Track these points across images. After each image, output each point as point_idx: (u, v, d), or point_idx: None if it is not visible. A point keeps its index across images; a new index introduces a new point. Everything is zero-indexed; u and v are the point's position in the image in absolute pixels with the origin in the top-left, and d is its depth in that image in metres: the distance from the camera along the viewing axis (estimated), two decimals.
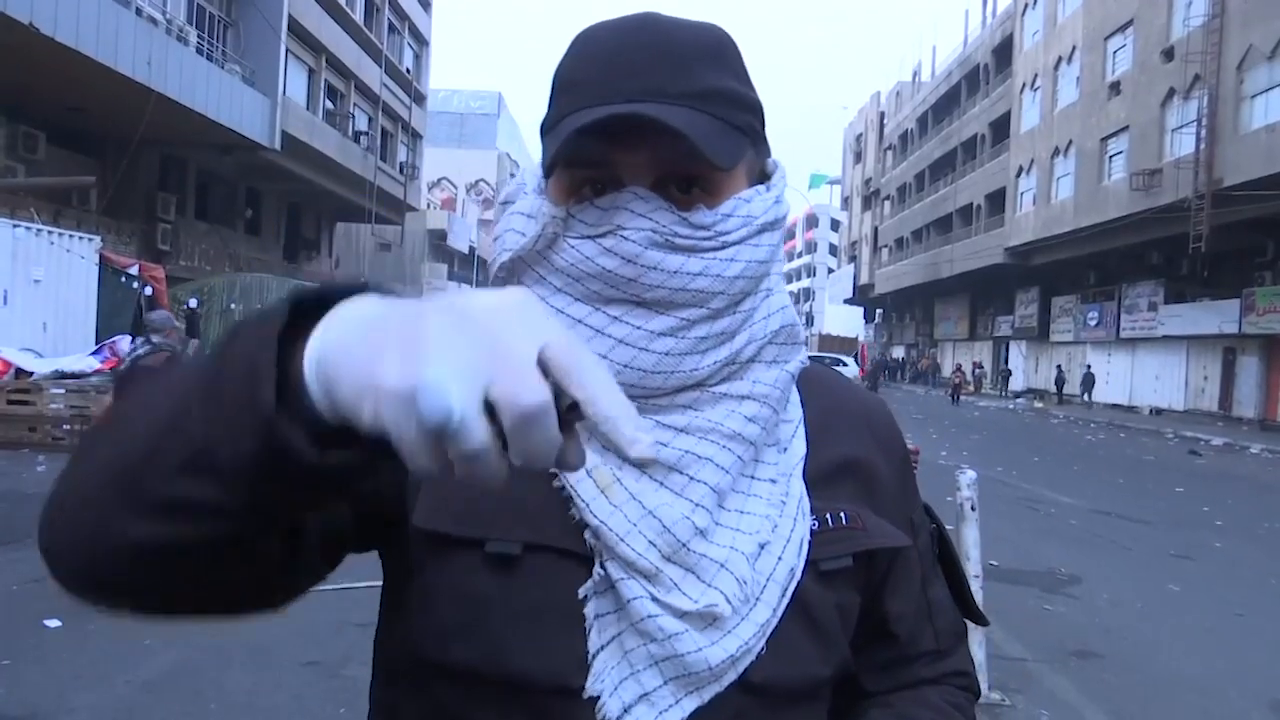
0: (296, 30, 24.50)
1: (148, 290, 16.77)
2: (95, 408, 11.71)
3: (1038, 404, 35.13)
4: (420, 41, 38.16)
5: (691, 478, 0.74)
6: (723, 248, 0.75)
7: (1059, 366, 36.67)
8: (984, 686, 4.49)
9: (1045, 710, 4.44)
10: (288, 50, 23.71)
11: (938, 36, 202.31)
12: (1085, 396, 34.07)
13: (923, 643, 0.92)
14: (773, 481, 0.79)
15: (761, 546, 0.76)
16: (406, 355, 0.46)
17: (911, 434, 17.14)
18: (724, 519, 0.76)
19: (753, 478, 0.78)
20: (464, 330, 0.47)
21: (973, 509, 4.80)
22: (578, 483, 0.74)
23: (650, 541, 0.72)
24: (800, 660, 0.78)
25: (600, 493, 0.73)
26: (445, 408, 0.44)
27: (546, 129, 0.79)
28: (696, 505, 0.74)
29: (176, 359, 7.38)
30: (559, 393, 0.46)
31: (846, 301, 68.76)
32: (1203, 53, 23.98)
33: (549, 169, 0.77)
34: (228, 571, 0.61)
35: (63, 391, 11.93)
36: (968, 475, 5.01)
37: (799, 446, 0.83)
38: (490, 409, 0.45)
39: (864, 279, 62.58)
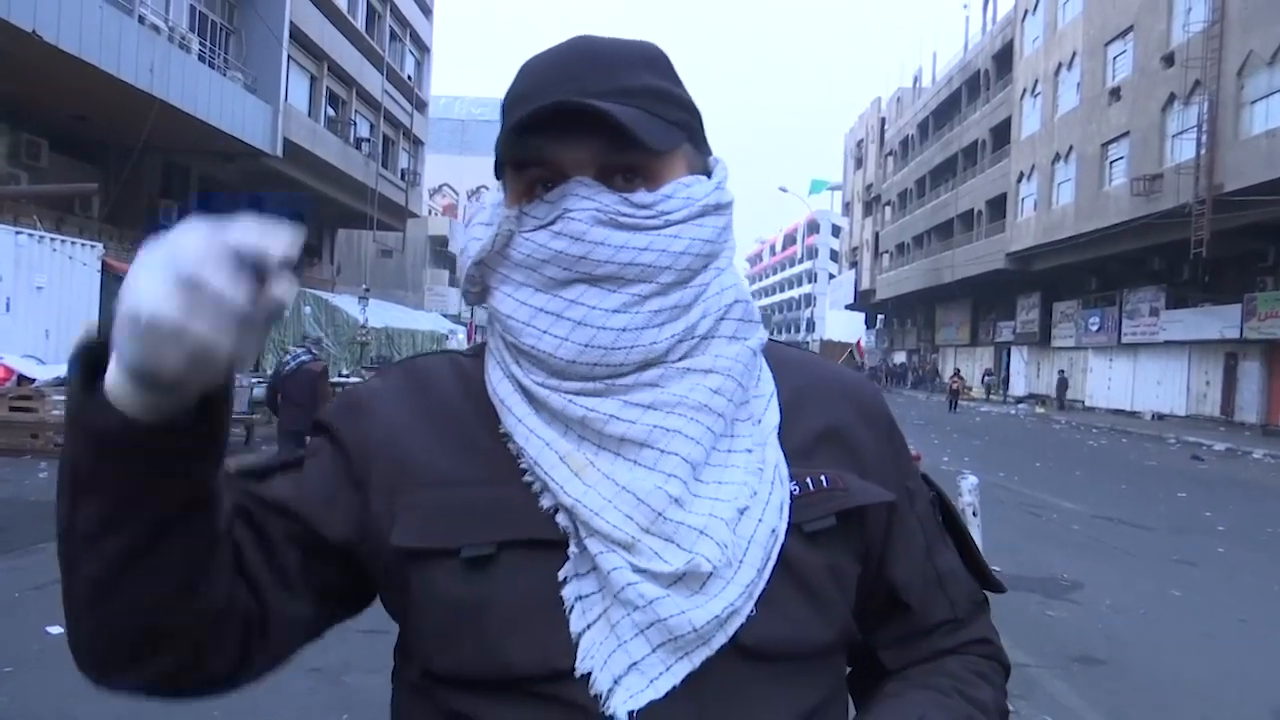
0: (298, 37, 24.57)
1: None
2: None
3: (1039, 409, 35.13)
4: (421, 48, 38.23)
5: (663, 451, 0.76)
6: (666, 225, 0.80)
7: (1061, 372, 36.66)
8: None
9: (1048, 716, 4.43)
10: (289, 57, 23.77)
11: (938, 42, 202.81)
12: (1059, 400, 34.62)
13: (937, 612, 0.92)
14: (749, 451, 0.81)
15: (741, 511, 0.77)
16: (125, 293, 0.61)
17: (913, 439, 16.98)
18: (702, 490, 0.77)
19: (729, 451, 0.80)
20: (149, 257, 0.62)
21: (975, 514, 4.81)
22: (552, 469, 0.77)
23: (627, 515, 0.74)
24: (793, 621, 0.78)
25: (574, 475, 0.76)
26: (152, 296, 0.60)
27: (498, 143, 0.84)
28: (670, 475, 0.76)
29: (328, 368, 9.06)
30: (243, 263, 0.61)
31: (848, 307, 68.76)
32: (1203, 58, 24.00)
33: (498, 170, 0.84)
34: (201, 608, 0.74)
35: (65, 399, 11.95)
36: (969, 481, 5.03)
37: (772, 418, 0.84)
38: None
39: (865, 284, 62.58)
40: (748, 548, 0.76)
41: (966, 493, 4.92)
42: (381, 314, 23.25)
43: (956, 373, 37.05)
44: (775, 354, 0.90)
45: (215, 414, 0.68)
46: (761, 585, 0.76)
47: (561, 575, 0.75)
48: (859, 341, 48.01)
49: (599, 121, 0.75)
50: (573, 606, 0.74)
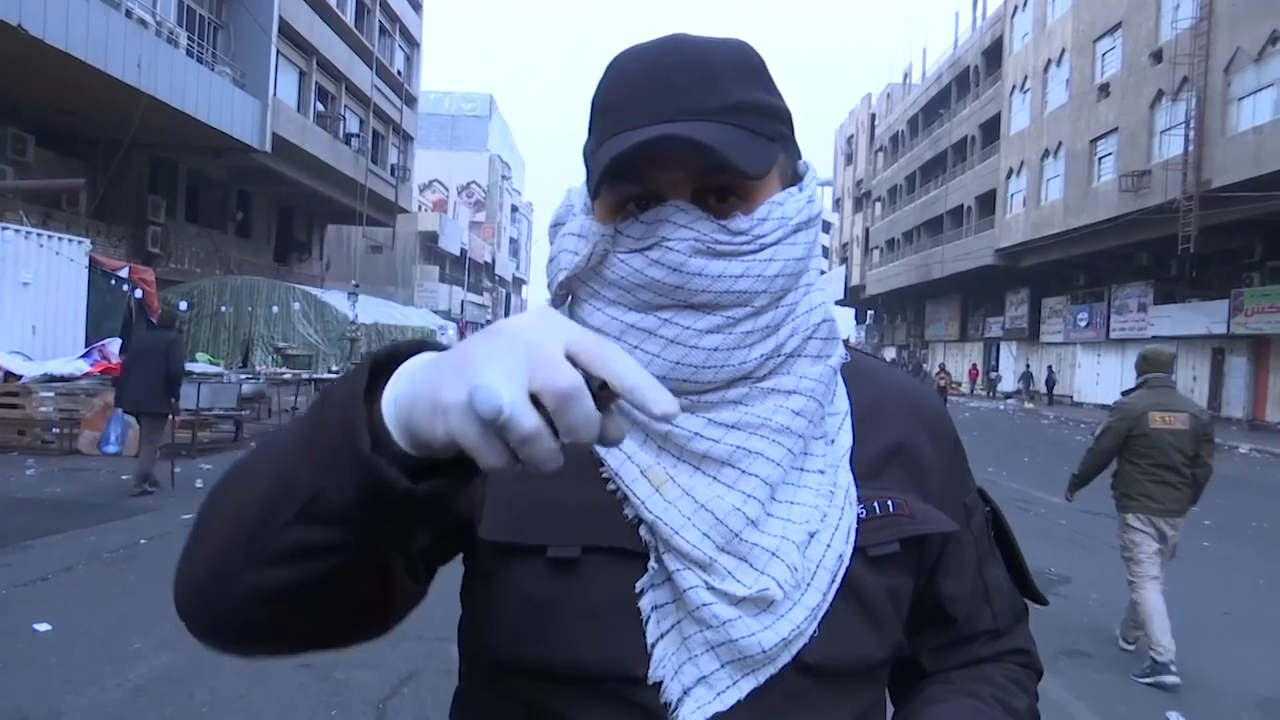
0: (287, 32, 24.44)
1: (138, 293, 16.72)
2: (85, 410, 11.68)
3: (1028, 404, 35.27)
4: (411, 43, 38.08)
5: (743, 471, 0.78)
6: (761, 249, 0.80)
7: (1049, 368, 36.83)
8: None
9: None
10: (278, 52, 23.64)
11: (928, 38, 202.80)
12: (1024, 393, 34.98)
13: (980, 624, 0.95)
14: (821, 473, 0.82)
15: (811, 535, 0.79)
16: (459, 373, 0.55)
17: None
18: (775, 509, 0.79)
19: (802, 469, 0.82)
20: (500, 344, 0.56)
21: None
22: (633, 482, 0.78)
23: (704, 533, 0.76)
24: (852, 641, 0.81)
25: (655, 490, 0.78)
26: (496, 403, 0.52)
27: (589, 153, 0.84)
28: (748, 497, 0.77)
29: None
30: (589, 377, 0.55)
31: (838, 303, 68.85)
32: (1191, 55, 24.11)
33: (595, 191, 0.80)
34: (341, 602, 0.69)
35: (52, 395, 11.89)
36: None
37: (845, 438, 0.86)
38: (535, 401, 0.54)
39: (855, 280, 62.70)
40: (815, 571, 0.79)
41: None
42: (371, 310, 23.17)
43: (942, 368, 35.66)
44: (848, 362, 0.90)
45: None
46: (825, 607, 0.79)
47: (639, 586, 0.77)
48: (848, 339, 48.35)
49: (695, 144, 0.75)
50: (649, 616, 0.77)
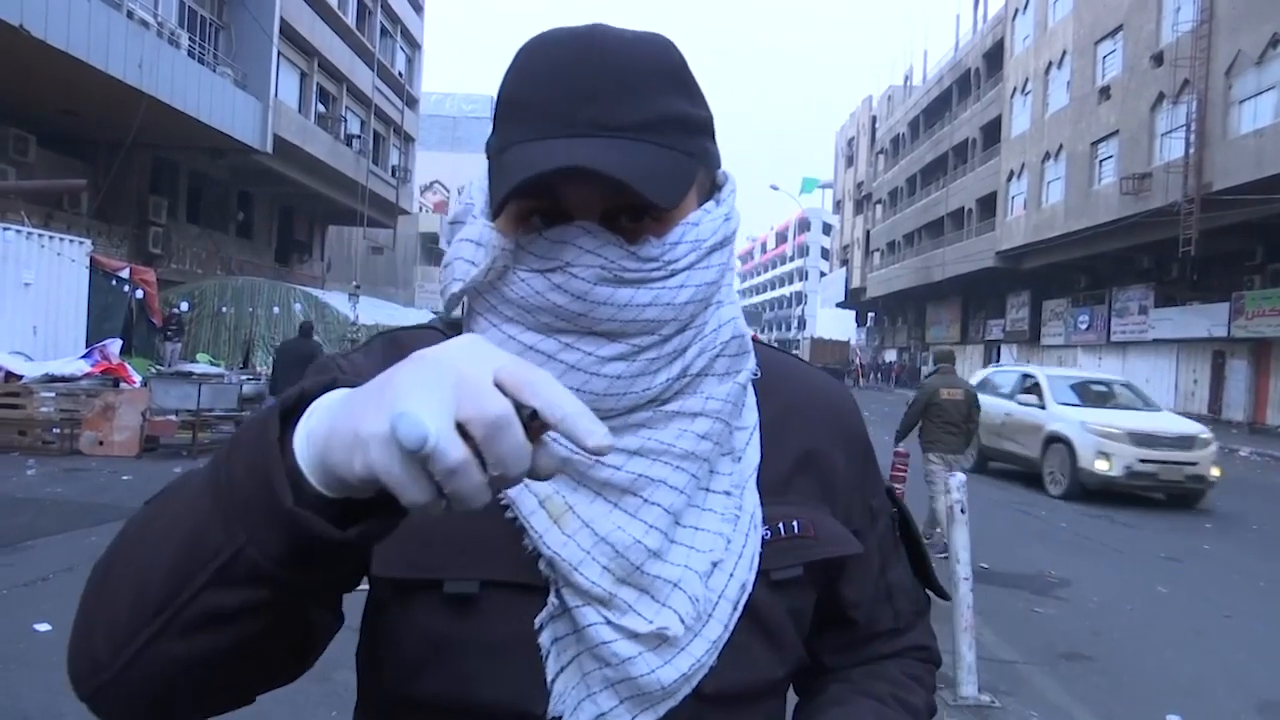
0: (288, 33, 24.46)
1: (139, 294, 16.74)
2: (86, 411, 11.68)
3: None
4: (413, 45, 38.11)
5: (645, 500, 0.74)
6: (671, 276, 0.75)
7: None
8: (974, 688, 4.51)
9: (1035, 712, 4.46)
10: (279, 53, 23.66)
11: (929, 41, 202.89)
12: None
13: (882, 623, 0.95)
14: (727, 494, 0.79)
15: (715, 564, 0.76)
16: (380, 403, 0.51)
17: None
18: (679, 536, 0.76)
19: (708, 490, 0.79)
20: (425, 372, 0.52)
21: (963, 511, 4.83)
22: (530, 515, 0.74)
23: (604, 567, 0.73)
24: (753, 667, 0.80)
25: (553, 523, 0.74)
26: (420, 433, 0.48)
27: (492, 151, 0.79)
28: (650, 528, 0.74)
29: None
30: (519, 405, 0.51)
31: (839, 305, 68.87)
32: (1192, 58, 24.10)
33: (499, 205, 0.73)
34: (266, 657, 0.66)
35: (53, 395, 11.88)
36: (957, 478, 5.05)
37: (753, 454, 0.83)
38: (463, 431, 0.50)
39: (856, 282, 62.66)
40: (717, 602, 0.76)
41: (955, 490, 4.94)
42: (372, 311, 23.16)
43: (935, 372, 35.24)
44: (764, 361, 0.86)
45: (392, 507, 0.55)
46: (726, 637, 0.77)
47: (538, 622, 0.75)
48: (850, 341, 48.62)
49: (606, 177, 0.70)
50: (549, 651, 0.75)
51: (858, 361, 53.29)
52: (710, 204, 0.80)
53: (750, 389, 0.84)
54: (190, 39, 20.71)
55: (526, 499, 0.75)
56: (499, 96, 0.79)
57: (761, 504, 0.81)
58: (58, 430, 11.66)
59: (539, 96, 0.75)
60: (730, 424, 0.80)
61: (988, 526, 8.10)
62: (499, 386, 0.51)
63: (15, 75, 15.79)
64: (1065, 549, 8.52)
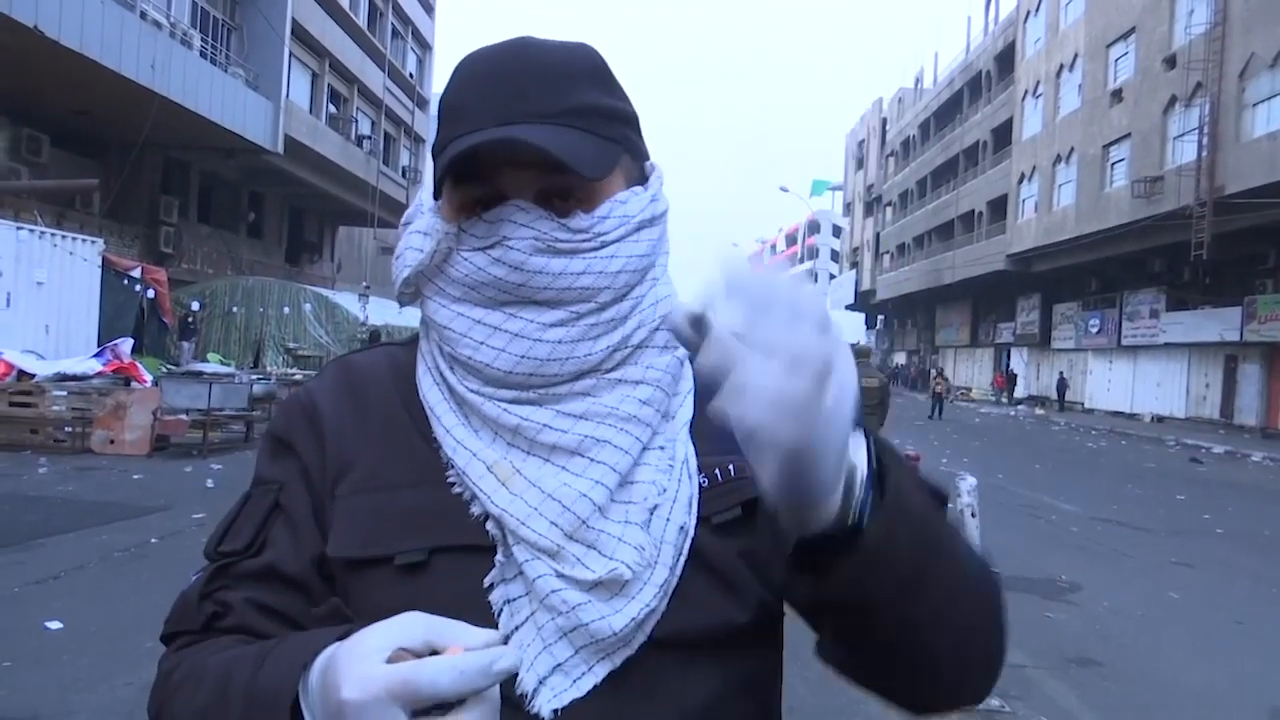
0: (300, 34, 24.57)
1: (150, 293, 16.82)
2: (97, 410, 11.74)
3: (1039, 410, 35.11)
4: (423, 46, 38.22)
5: (592, 460, 0.79)
6: (602, 246, 0.82)
7: (1060, 374, 36.66)
8: None
9: (1044, 717, 4.44)
10: (291, 54, 23.77)
11: (940, 43, 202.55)
12: (1059, 403, 34.64)
13: None
14: (661, 449, 0.83)
15: (651, 511, 0.80)
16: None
17: (913, 440, 16.94)
18: (619, 494, 0.80)
19: (645, 447, 0.82)
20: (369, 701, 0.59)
21: (973, 515, 4.81)
22: (479, 479, 0.79)
23: (552, 522, 0.77)
24: (706, 610, 0.80)
25: (501, 484, 0.78)
26: None
27: (436, 152, 0.85)
28: (596, 483, 0.78)
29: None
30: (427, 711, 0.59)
31: (848, 307, 68.70)
32: (1204, 61, 24.00)
33: (437, 190, 0.84)
34: None
35: (65, 394, 11.95)
36: (968, 482, 5.03)
37: (685, 413, 0.86)
38: None
39: (866, 285, 62.56)
40: (660, 547, 0.79)
41: (965, 494, 4.92)
42: (382, 311, 23.21)
43: (940, 374, 33.53)
44: None
45: None
46: (675, 582, 0.79)
47: (488, 581, 0.77)
48: (859, 343, 48.39)
49: (534, 148, 0.77)
50: (501, 610, 0.77)
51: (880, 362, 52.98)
52: (638, 187, 0.87)
53: (687, 362, 0.89)
54: (202, 40, 20.82)
55: (475, 465, 0.80)
56: (439, 107, 0.86)
57: (698, 454, 0.84)
58: (69, 429, 11.73)
59: (474, 99, 0.82)
60: (669, 394, 0.85)
61: (997, 530, 8.06)
62: (395, 700, 0.58)
63: (29, 76, 15.90)
64: (1076, 553, 8.48)
